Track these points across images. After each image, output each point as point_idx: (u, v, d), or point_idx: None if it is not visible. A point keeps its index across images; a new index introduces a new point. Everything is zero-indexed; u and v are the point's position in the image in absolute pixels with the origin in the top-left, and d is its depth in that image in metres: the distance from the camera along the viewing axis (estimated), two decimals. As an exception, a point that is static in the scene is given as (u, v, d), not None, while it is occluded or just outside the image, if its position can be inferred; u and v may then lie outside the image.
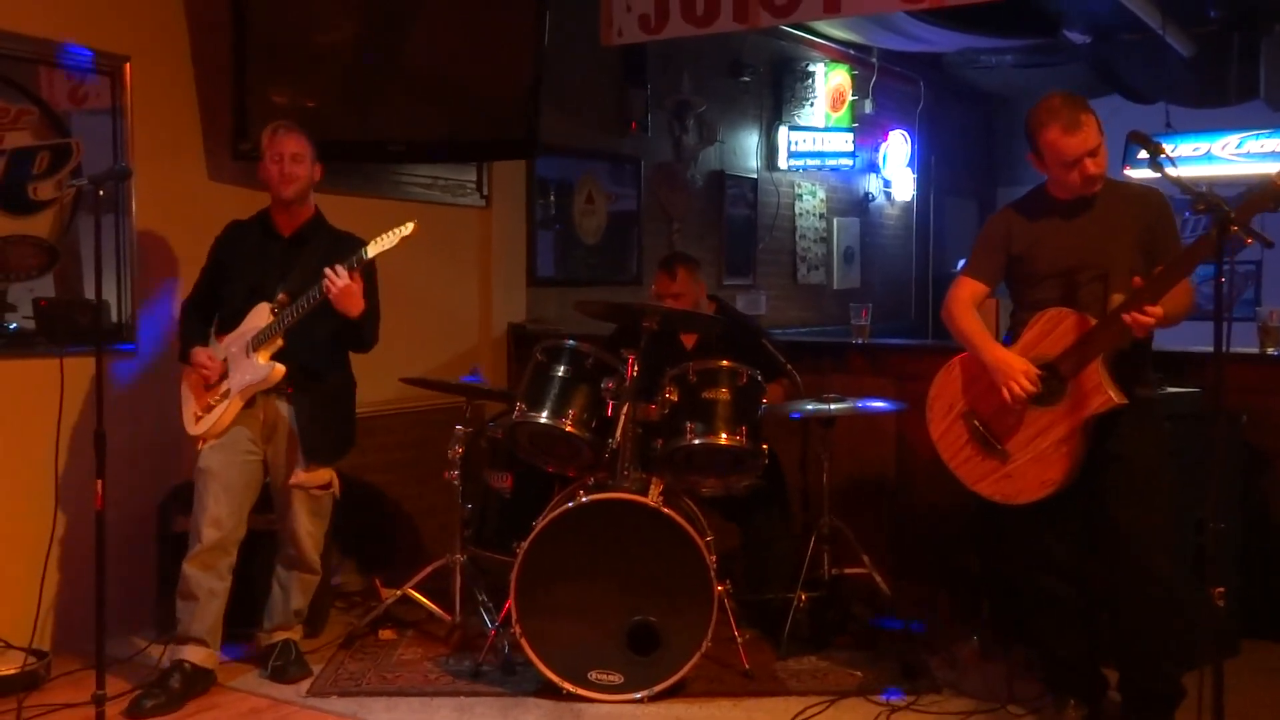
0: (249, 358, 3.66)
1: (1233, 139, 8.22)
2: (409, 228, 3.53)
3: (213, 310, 3.86)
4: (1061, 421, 3.13)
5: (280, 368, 3.64)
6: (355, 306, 3.58)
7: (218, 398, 3.72)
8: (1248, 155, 8.19)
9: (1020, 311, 3.30)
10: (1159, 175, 2.88)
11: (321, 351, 3.76)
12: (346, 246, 3.65)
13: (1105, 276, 3.12)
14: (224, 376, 3.72)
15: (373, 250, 3.53)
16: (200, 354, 3.75)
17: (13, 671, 3.60)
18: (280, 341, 3.65)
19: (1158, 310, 2.93)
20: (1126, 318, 2.94)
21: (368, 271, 3.68)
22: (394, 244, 3.54)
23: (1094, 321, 3.07)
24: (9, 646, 3.75)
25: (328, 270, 3.52)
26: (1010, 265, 3.32)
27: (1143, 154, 2.93)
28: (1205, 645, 2.82)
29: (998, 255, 3.33)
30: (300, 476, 3.75)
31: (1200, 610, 3.07)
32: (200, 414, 3.75)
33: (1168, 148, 2.89)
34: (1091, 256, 3.15)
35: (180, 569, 3.68)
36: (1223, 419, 2.74)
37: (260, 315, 3.69)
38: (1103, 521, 3.17)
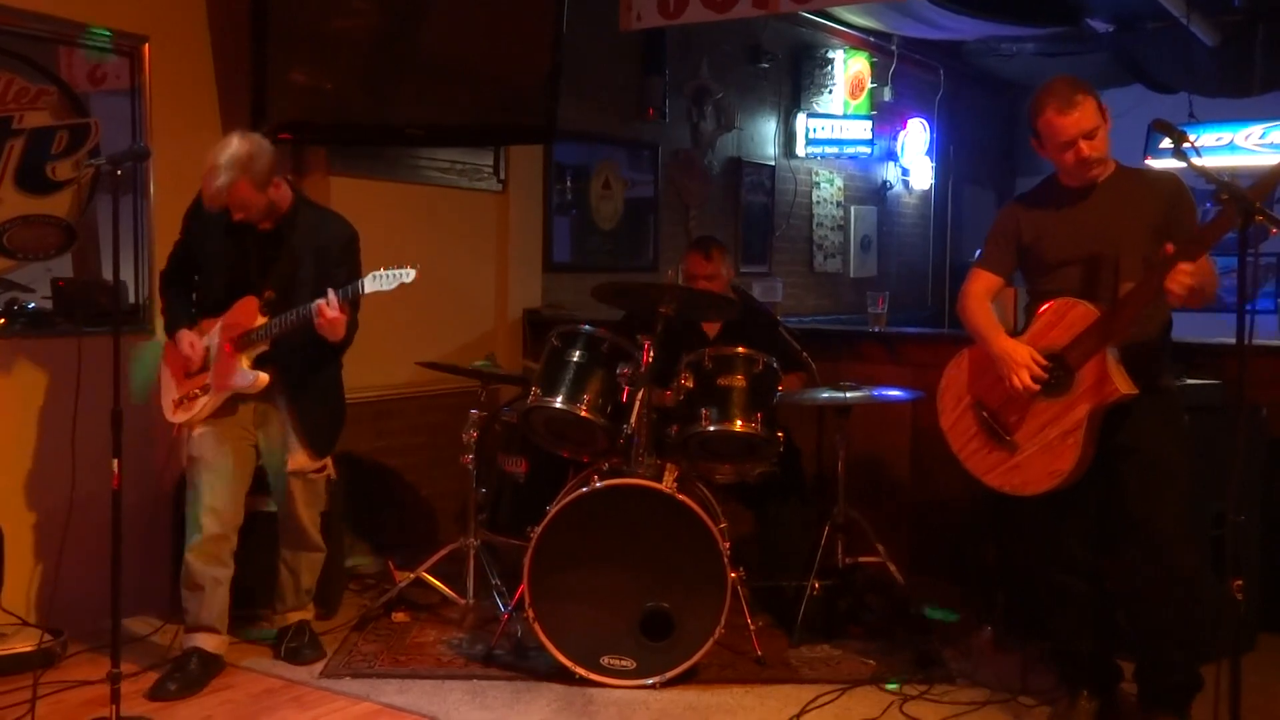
0: (233, 358, 3.60)
1: (1256, 129, 8.13)
2: (410, 275, 3.44)
3: (188, 286, 3.77)
4: (1069, 412, 3.10)
5: (264, 377, 3.58)
6: (336, 335, 3.52)
7: (198, 390, 3.68)
8: (1271, 146, 8.10)
9: (1034, 301, 3.29)
10: (1182, 164, 2.84)
11: (309, 352, 3.66)
12: (327, 231, 3.57)
13: (1115, 264, 3.09)
14: (204, 367, 3.67)
15: (369, 286, 3.45)
16: (185, 338, 3.68)
17: (29, 649, 3.63)
18: (265, 346, 3.61)
19: (1189, 267, 2.86)
20: (1167, 282, 2.87)
21: (355, 301, 3.58)
22: (391, 288, 3.45)
23: (1101, 311, 3.04)
24: (25, 624, 3.78)
25: (319, 303, 3.43)
26: (1021, 255, 3.30)
27: (1165, 143, 2.90)
28: (1222, 638, 2.80)
29: (1009, 246, 3.31)
30: (294, 463, 3.72)
31: (1218, 602, 3.05)
32: (179, 402, 3.72)
33: (1191, 137, 2.86)
34: (1100, 244, 3.12)
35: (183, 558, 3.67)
36: (1244, 411, 2.70)
37: (246, 311, 3.61)
38: (1120, 513, 3.15)
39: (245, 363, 3.60)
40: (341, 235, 3.69)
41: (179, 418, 3.72)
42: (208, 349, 3.68)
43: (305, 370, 3.70)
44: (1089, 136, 3.07)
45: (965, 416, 3.34)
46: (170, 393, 3.76)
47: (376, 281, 3.45)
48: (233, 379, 3.61)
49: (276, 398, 3.71)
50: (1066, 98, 3.06)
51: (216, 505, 3.65)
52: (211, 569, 3.66)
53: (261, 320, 3.59)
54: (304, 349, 3.64)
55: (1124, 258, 3.09)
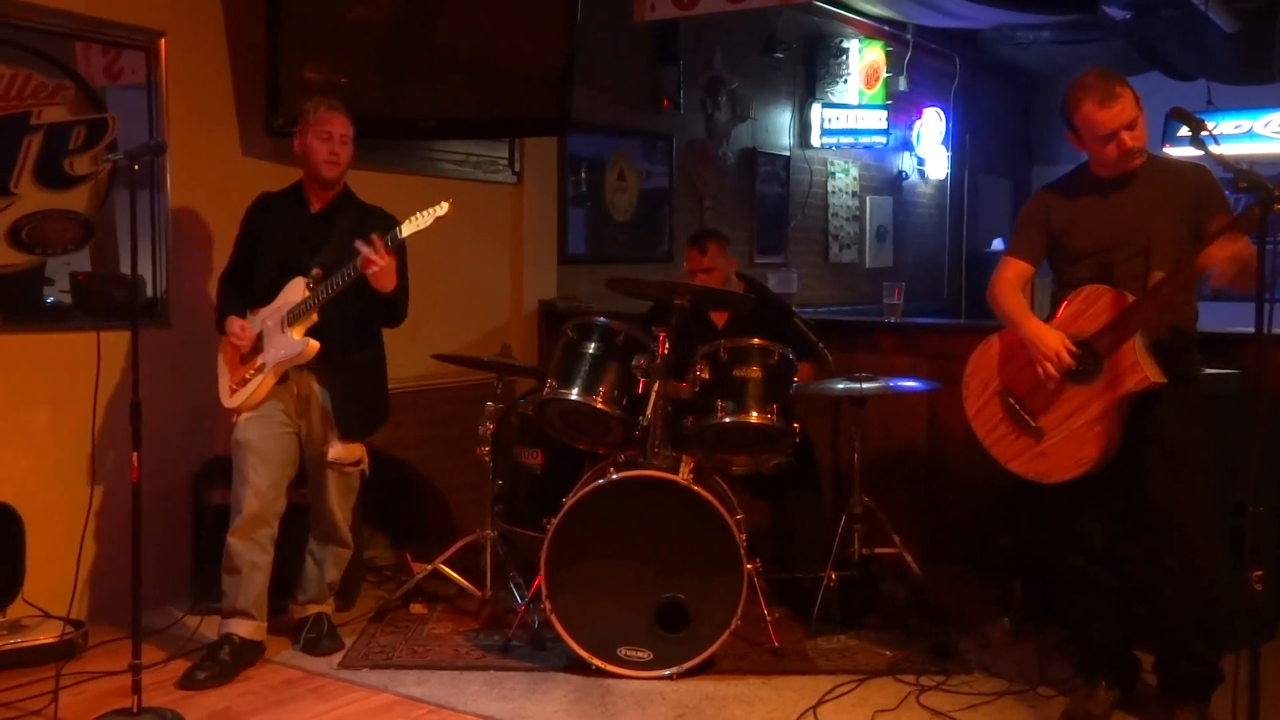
0: (284, 332, 3.68)
1: (1275, 116, 8.08)
2: (444, 208, 3.51)
3: (244, 281, 3.87)
4: (1096, 400, 3.09)
5: (314, 343, 3.66)
6: (389, 283, 3.59)
7: (252, 371, 3.74)
8: (1291, 133, 8.05)
9: (1061, 290, 3.28)
10: (1200, 153, 2.83)
11: (353, 328, 3.78)
12: (375, 221, 3.65)
13: (1146, 253, 3.08)
14: (258, 350, 3.75)
15: (407, 229, 3.53)
16: (234, 323, 3.77)
17: (51, 640, 3.65)
18: (315, 317, 3.67)
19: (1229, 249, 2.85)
20: (1213, 249, 2.86)
21: (399, 249, 3.68)
22: (428, 224, 3.52)
23: (1131, 299, 3.03)
24: (47, 616, 3.81)
25: (362, 246, 3.51)
26: (1051, 243, 3.29)
27: (1184, 131, 2.88)
28: (1242, 628, 2.79)
29: (1038, 234, 3.30)
30: (333, 453, 3.77)
31: (1237, 593, 3.04)
32: (235, 387, 3.79)
33: (1209, 125, 2.84)
34: (1131, 233, 3.11)
35: (223, 542, 3.71)
36: (1264, 401, 2.69)
37: (295, 290, 3.71)
38: (1142, 503, 3.14)
39: (296, 334, 3.66)
40: (391, 228, 3.71)
41: (234, 402, 3.77)
42: (259, 334, 3.74)
43: (349, 343, 3.75)
44: (1130, 128, 3.05)
45: (991, 403, 3.33)
46: (225, 379, 3.83)
47: (413, 224, 3.52)
48: (284, 350, 3.67)
49: (316, 382, 3.75)
50: (1106, 91, 3.03)
51: (259, 486, 3.68)
52: (250, 552, 3.68)
53: (308, 294, 3.66)
54: (348, 322, 3.73)
55: (1154, 247, 3.07)
